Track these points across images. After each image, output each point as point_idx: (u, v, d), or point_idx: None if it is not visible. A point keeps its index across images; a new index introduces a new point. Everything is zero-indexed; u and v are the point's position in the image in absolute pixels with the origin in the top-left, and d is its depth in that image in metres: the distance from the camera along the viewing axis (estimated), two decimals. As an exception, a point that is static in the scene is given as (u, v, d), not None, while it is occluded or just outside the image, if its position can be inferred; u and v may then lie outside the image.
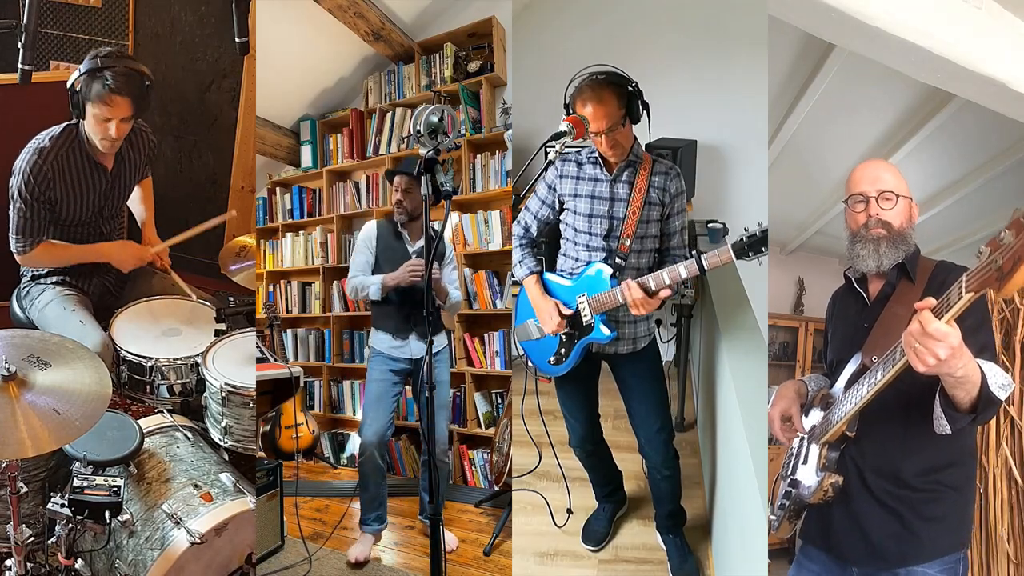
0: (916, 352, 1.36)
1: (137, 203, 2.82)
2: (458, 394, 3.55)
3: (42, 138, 2.46)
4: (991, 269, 1.21)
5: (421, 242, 2.84)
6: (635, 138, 2.25)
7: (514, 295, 3.32)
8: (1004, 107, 2.42)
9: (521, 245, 2.39)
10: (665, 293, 2.12)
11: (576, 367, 2.34)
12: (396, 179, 2.91)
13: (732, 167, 3.65)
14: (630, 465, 2.81)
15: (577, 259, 2.31)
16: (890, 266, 1.71)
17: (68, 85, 2.37)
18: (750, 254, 1.98)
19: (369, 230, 2.99)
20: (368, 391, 2.95)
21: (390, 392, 2.91)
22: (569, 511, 2.80)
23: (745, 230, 1.99)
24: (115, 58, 2.37)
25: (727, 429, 2.35)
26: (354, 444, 3.96)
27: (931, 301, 1.35)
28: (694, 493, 2.88)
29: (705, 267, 2.06)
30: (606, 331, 2.24)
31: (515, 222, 2.43)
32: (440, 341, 3.00)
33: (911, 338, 1.36)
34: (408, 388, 3.26)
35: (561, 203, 2.34)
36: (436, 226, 2.30)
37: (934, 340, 1.33)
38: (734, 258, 2.00)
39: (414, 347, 2.92)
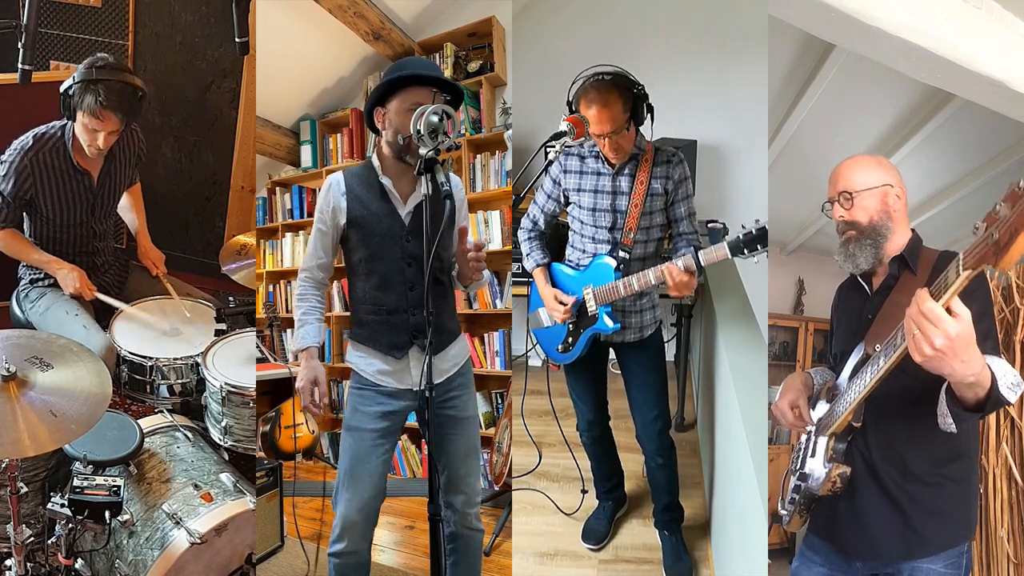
0: (914, 339, 1.30)
1: (128, 211, 2.83)
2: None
3: (27, 136, 2.48)
4: (988, 244, 1.18)
5: (418, 192, 1.93)
6: (638, 132, 2.26)
7: (514, 295, 3.34)
8: (1004, 107, 2.42)
9: (529, 238, 2.46)
10: (718, 256, 2.08)
11: (583, 354, 2.40)
12: (423, 92, 1.88)
13: (732, 167, 3.65)
14: (630, 465, 2.81)
15: (584, 251, 2.37)
16: (868, 264, 1.71)
17: (62, 89, 2.39)
18: (745, 251, 2.00)
19: (332, 187, 1.96)
20: (344, 444, 2.01)
21: (377, 449, 1.99)
22: (583, 491, 2.81)
23: (743, 227, 2.00)
24: (110, 70, 2.38)
25: (727, 429, 2.35)
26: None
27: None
28: (694, 493, 2.88)
29: (702, 263, 2.09)
30: (609, 322, 2.31)
31: (524, 216, 2.49)
32: (458, 352, 2.07)
33: (910, 322, 1.31)
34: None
35: (566, 197, 2.38)
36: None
37: (927, 322, 1.27)
38: (729, 255, 2.03)
39: (416, 371, 1.98)
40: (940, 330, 1.26)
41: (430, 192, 1.77)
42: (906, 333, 1.34)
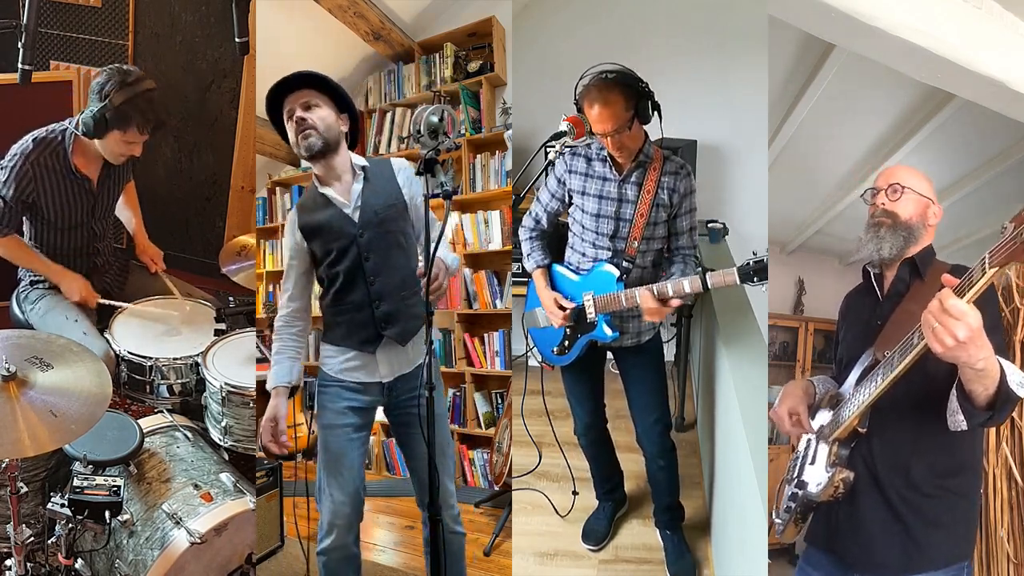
0: (934, 332, 1.33)
1: (123, 209, 2.83)
2: (458, 394, 3.55)
3: (27, 140, 2.48)
4: (1016, 243, 1.24)
5: (356, 185, 2.01)
6: (646, 136, 2.25)
7: (514, 295, 3.34)
8: (1004, 107, 2.42)
9: (531, 238, 2.44)
10: (676, 302, 2.13)
11: (580, 357, 2.38)
12: (292, 97, 2.14)
13: (732, 167, 3.65)
14: (630, 465, 2.81)
15: (584, 254, 2.35)
16: (890, 253, 1.71)
17: (94, 114, 2.37)
18: (755, 279, 2.00)
19: (289, 222, 2.09)
20: (321, 443, 2.05)
21: (353, 442, 2.03)
22: (575, 492, 2.81)
23: (753, 254, 2.01)
24: (139, 80, 2.42)
25: (727, 429, 2.35)
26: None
27: (952, 279, 1.34)
28: (694, 493, 2.88)
29: (709, 285, 2.09)
30: (608, 331, 2.29)
31: (526, 214, 2.46)
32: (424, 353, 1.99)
33: (930, 316, 1.34)
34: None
35: (570, 197, 2.36)
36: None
37: (952, 318, 1.30)
38: (738, 282, 2.03)
39: (383, 366, 2.04)
40: (964, 323, 1.30)
41: (430, 192, 1.78)
42: (924, 328, 1.37)
